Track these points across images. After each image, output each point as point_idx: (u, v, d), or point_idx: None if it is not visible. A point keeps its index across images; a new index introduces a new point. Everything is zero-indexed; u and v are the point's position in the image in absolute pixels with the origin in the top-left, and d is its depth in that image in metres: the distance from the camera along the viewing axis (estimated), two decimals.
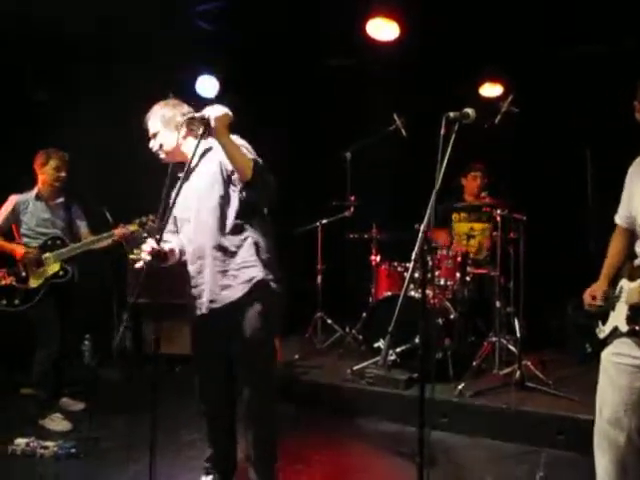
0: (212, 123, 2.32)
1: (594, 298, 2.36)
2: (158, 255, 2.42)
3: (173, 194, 2.48)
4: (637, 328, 2.12)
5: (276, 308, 2.65)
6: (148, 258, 2.38)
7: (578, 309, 2.68)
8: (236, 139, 2.50)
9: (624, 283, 2.27)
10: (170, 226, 2.70)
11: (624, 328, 2.18)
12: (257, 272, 2.56)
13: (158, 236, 2.36)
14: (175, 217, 2.70)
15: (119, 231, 3.95)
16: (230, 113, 2.41)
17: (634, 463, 2.18)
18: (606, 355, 2.29)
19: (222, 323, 2.60)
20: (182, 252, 2.71)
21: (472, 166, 5.10)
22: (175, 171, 2.62)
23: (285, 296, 2.67)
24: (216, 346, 2.67)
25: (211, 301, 2.60)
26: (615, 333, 2.24)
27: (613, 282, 2.36)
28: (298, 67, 5.61)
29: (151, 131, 2.74)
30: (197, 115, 2.39)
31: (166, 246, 2.59)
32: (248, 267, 2.56)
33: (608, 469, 2.26)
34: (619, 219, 2.45)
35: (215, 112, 2.33)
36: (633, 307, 2.16)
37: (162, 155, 2.73)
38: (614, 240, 2.47)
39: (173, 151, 2.71)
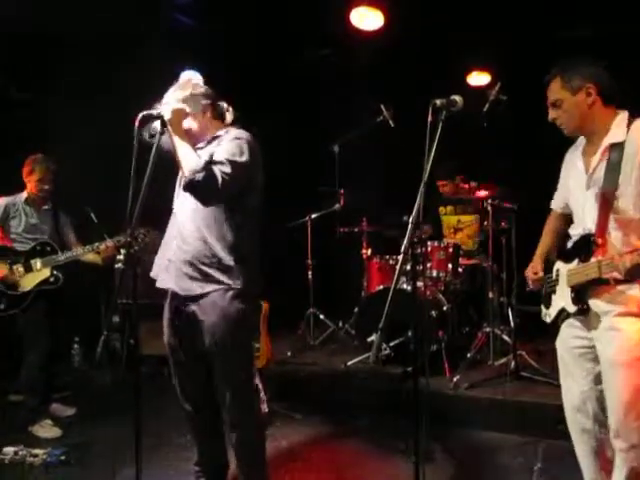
0: (167, 117, 2.36)
1: (536, 274, 2.41)
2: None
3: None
4: (584, 306, 2.18)
5: (250, 311, 2.58)
6: (122, 266, 2.32)
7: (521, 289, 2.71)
8: (231, 140, 2.45)
9: (560, 265, 2.32)
10: None
11: (572, 309, 2.23)
12: (230, 277, 2.48)
13: (129, 239, 2.28)
14: None
15: (109, 243, 3.83)
16: (186, 108, 2.47)
17: (607, 446, 2.21)
18: (559, 343, 2.36)
19: (190, 319, 2.54)
20: None
21: (438, 173, 4.98)
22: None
23: (259, 297, 2.61)
24: (190, 343, 2.59)
25: (174, 290, 2.56)
26: (562, 315, 2.30)
27: (546, 265, 2.42)
28: (282, 59, 5.53)
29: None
30: (153, 112, 2.38)
31: None
32: (222, 269, 2.48)
33: (585, 455, 2.32)
34: (554, 204, 2.54)
35: (170, 107, 2.40)
36: (575, 288, 2.21)
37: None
38: (548, 222, 2.56)
39: (195, 136, 2.54)
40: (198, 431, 2.73)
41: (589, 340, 2.22)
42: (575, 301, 2.20)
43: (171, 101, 2.53)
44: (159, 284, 2.61)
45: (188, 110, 2.52)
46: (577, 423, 2.30)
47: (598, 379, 2.21)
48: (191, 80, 2.64)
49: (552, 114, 2.25)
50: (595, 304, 2.17)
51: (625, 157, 2.10)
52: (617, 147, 2.12)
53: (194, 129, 2.56)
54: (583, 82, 2.17)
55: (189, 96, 2.55)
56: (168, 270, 2.56)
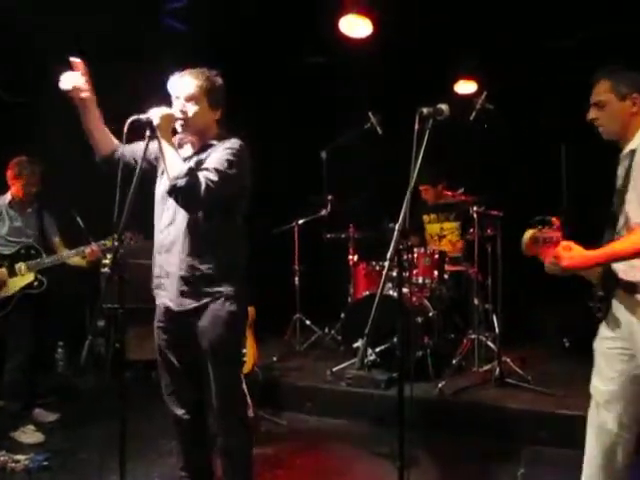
0: (155, 122, 2.34)
1: None
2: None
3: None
4: (603, 301, 2.20)
5: (241, 315, 2.57)
6: (108, 271, 2.29)
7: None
8: (223, 149, 2.43)
9: None
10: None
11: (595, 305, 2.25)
12: (223, 285, 2.48)
13: (117, 244, 2.25)
14: None
15: (94, 247, 3.81)
16: (175, 114, 2.43)
17: (624, 448, 2.19)
18: (595, 342, 2.34)
19: (183, 324, 2.52)
20: None
21: (421, 178, 5.01)
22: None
23: (248, 302, 2.61)
24: (181, 347, 2.58)
25: (168, 305, 2.55)
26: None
27: None
28: (271, 66, 5.54)
29: (183, 93, 2.47)
30: (142, 117, 2.36)
31: None
32: (213, 278, 2.47)
33: (594, 452, 2.27)
34: None
35: (158, 113, 2.37)
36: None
37: (178, 124, 2.49)
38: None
39: (195, 126, 2.51)
40: (185, 437, 2.70)
41: (622, 341, 2.19)
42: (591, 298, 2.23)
43: (180, 88, 2.47)
44: (157, 300, 2.61)
45: (204, 104, 2.47)
46: (597, 419, 2.26)
47: (634, 380, 2.17)
48: (208, 71, 2.53)
49: (593, 114, 2.24)
50: (623, 308, 2.15)
51: (634, 163, 2.11)
52: (631, 154, 2.14)
53: (200, 123, 2.50)
54: (631, 90, 2.19)
55: (211, 87, 2.48)
56: (160, 287, 2.57)
